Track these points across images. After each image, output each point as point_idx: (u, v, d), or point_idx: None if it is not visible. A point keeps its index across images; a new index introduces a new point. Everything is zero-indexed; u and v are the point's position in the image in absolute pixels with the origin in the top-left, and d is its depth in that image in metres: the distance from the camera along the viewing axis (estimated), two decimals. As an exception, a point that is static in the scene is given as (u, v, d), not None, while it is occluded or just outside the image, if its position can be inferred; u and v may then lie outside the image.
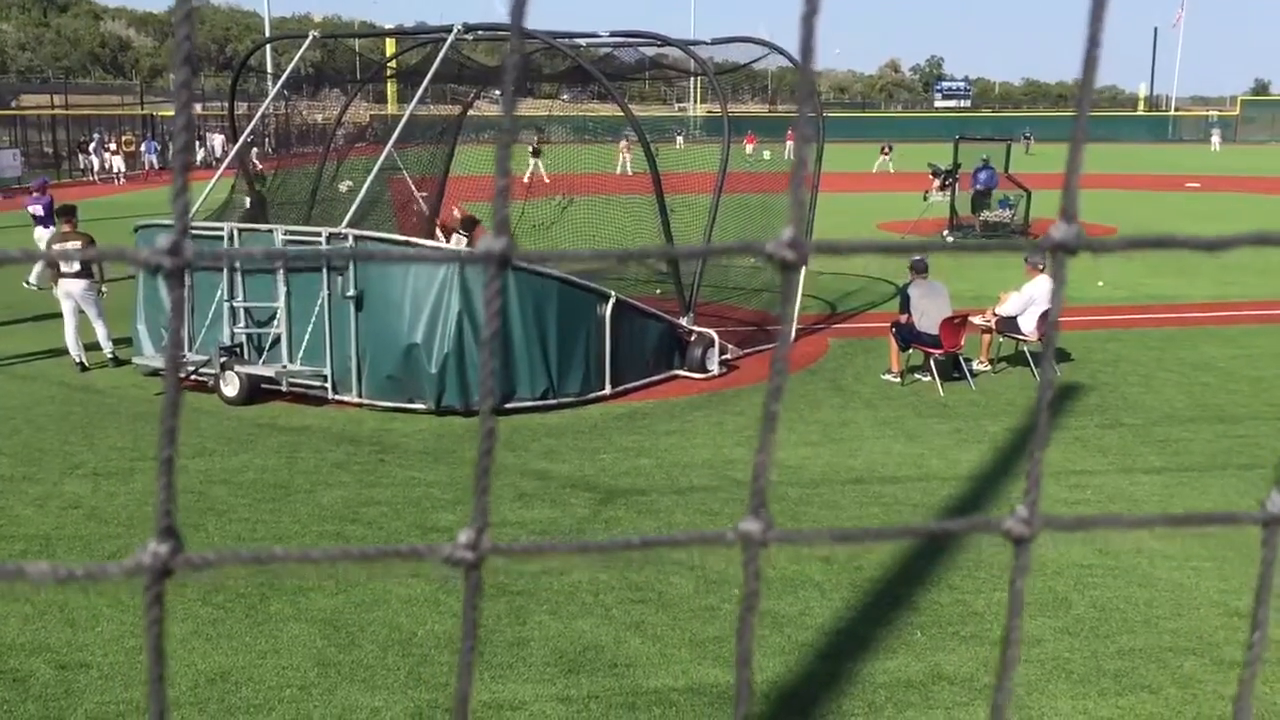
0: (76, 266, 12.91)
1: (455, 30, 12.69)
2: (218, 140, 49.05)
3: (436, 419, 10.77)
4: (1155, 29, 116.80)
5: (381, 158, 12.77)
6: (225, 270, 11.73)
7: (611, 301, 11.68)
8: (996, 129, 52.21)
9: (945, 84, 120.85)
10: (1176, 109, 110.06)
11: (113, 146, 47.95)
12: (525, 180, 20.98)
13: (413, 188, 17.16)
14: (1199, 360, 13.28)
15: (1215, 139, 76.79)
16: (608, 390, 11.67)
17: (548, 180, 20.96)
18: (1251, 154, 68.86)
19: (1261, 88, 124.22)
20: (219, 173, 14.05)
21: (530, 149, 21.24)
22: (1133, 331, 15.00)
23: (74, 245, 12.99)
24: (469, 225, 14.76)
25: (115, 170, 46.19)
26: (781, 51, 14.92)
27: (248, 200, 14.51)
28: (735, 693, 0.68)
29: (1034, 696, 5.70)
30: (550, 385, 11.26)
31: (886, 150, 52.53)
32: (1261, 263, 21.07)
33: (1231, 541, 7.63)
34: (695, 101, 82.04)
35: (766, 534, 0.67)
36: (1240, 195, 36.84)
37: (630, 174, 20.76)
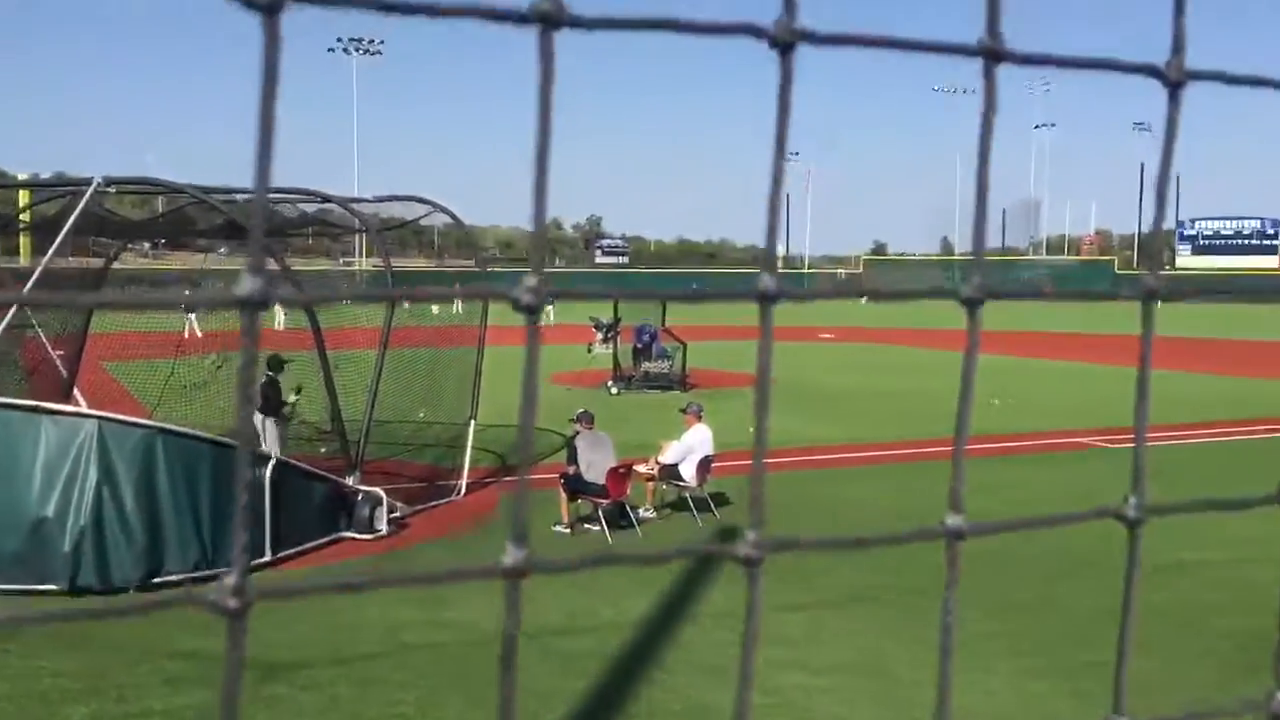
0: None
1: (95, 183, 12.03)
2: None
3: (70, 600, 9.75)
4: (788, 195, 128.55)
5: (10, 314, 11.74)
6: None
7: (272, 463, 11.16)
8: (655, 284, 55.27)
9: (605, 241, 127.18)
10: (810, 266, 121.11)
11: None
12: (185, 336, 19.92)
13: (48, 347, 15.86)
14: (837, 498, 14.32)
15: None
16: (268, 557, 11.03)
17: (200, 335, 19.98)
18: (871, 307, 76.55)
19: (880, 248, 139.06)
20: None
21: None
22: (779, 474, 16.00)
23: None
24: (274, 365, 14.02)
25: None
26: (445, 210, 15.20)
27: None
28: None
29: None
30: (204, 555, 10.51)
31: (550, 302, 54.51)
32: (892, 407, 23.23)
33: (885, 673, 8.16)
34: (361, 256, 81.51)
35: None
36: (865, 345, 40.68)
37: (281, 330, 20.20)
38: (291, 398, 14.56)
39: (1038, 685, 8.10)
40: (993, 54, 0.62)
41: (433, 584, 0.68)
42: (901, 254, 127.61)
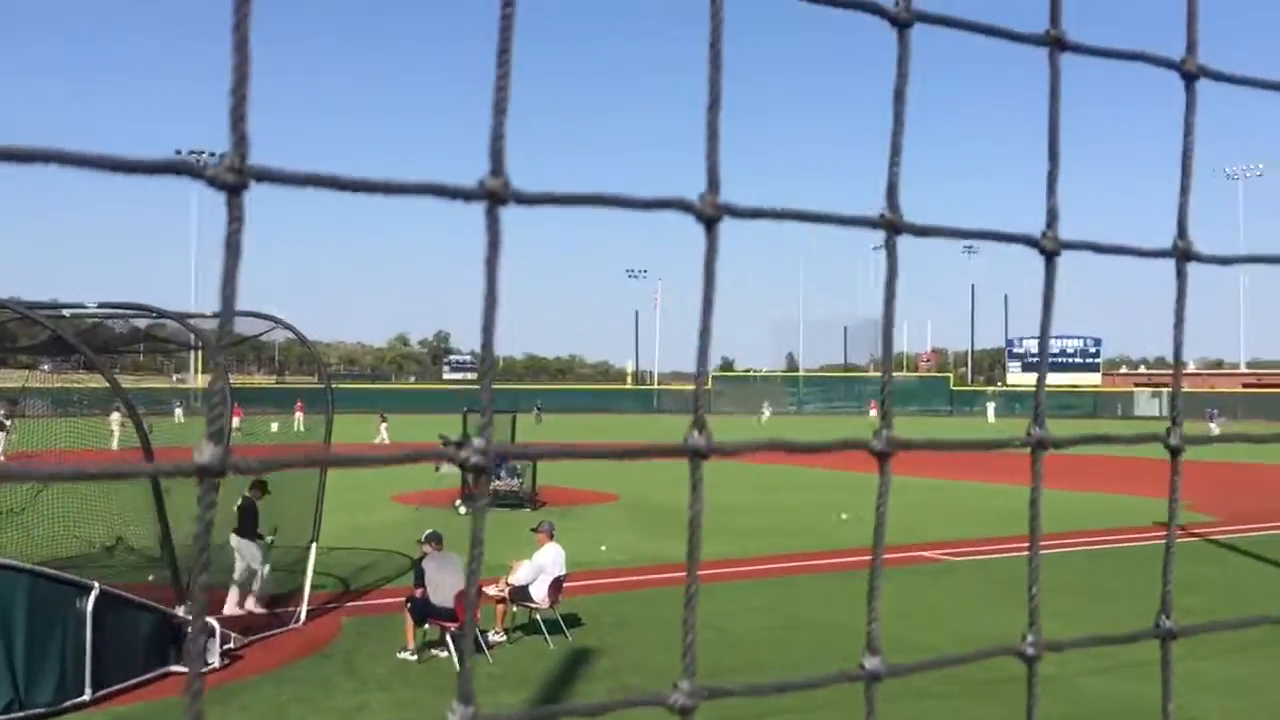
0: None
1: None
2: None
3: None
4: (636, 312, 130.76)
5: None
6: None
7: (95, 593, 10.50)
8: (503, 401, 55.22)
9: (454, 357, 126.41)
10: (659, 382, 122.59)
11: None
12: (1, 458, 18.83)
13: None
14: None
15: (765, 413, 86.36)
16: (88, 695, 10.32)
17: (3, 458, 18.89)
18: (723, 424, 77.84)
19: (728, 364, 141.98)
20: None
21: (-6, 423, 19.24)
22: (638, 593, 15.90)
23: None
24: (257, 488, 14.13)
25: None
26: (288, 326, 14.92)
27: None
28: None
29: None
30: (15, 696, 9.76)
31: (384, 418, 54.08)
32: (764, 524, 23.42)
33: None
34: (196, 372, 78.84)
35: None
36: (715, 461, 41.16)
37: (117, 450, 19.32)
38: (269, 538, 14.43)
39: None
40: (893, 226, 0.67)
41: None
42: (749, 370, 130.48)
